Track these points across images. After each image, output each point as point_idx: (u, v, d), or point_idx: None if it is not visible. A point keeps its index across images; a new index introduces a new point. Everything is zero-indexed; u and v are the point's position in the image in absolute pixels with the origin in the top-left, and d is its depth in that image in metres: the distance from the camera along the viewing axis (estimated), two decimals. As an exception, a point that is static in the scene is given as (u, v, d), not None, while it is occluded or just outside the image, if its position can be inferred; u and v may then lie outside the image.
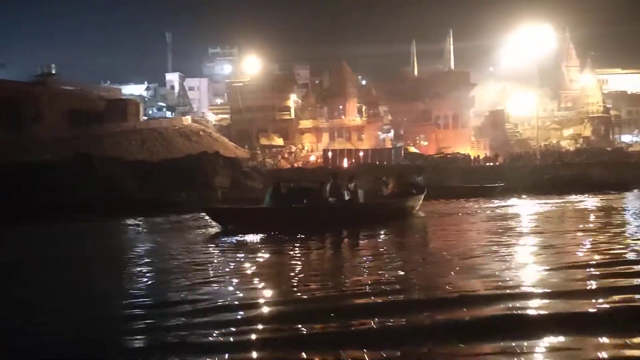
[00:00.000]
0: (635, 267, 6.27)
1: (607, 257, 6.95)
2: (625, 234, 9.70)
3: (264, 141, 55.96)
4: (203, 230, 11.94)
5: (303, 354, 3.58)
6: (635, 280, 5.47)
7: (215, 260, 7.86)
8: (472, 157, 44.90)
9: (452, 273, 6.23)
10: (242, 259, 7.97)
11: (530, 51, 54.10)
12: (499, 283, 5.46)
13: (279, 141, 56.87)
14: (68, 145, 35.73)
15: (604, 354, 3.39)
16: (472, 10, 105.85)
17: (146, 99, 71.87)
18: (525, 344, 3.58)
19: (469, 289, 5.24)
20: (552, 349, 3.55)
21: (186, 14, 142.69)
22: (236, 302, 5.07)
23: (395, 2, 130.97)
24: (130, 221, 15.14)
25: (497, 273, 5.99)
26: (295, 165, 46.34)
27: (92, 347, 4.04)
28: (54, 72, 54.57)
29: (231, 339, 3.98)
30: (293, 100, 60.70)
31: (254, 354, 3.70)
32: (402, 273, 6.35)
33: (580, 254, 7.37)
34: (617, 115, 64.61)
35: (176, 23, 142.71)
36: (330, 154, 45.50)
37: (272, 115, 58.70)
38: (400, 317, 4.31)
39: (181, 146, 45.83)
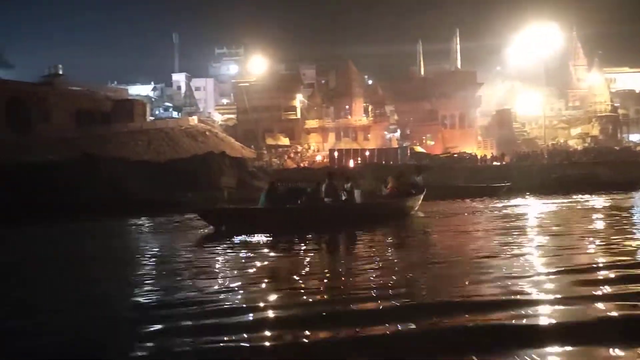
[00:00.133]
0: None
1: (618, 259, 6.72)
2: (635, 235, 9.50)
3: (270, 141, 56.04)
4: (203, 231, 11.80)
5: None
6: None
7: (210, 261, 7.76)
8: (478, 157, 44.73)
9: (457, 276, 6.09)
10: (236, 260, 7.82)
11: (537, 50, 53.72)
12: (506, 287, 5.28)
13: (285, 141, 56.94)
14: (74, 146, 35.86)
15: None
16: (478, 9, 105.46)
17: (153, 99, 72.22)
18: (534, 355, 3.43)
19: (475, 294, 5.12)
20: (562, 360, 3.42)
21: (193, 15, 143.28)
22: (229, 305, 4.95)
23: (402, 2, 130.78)
24: (133, 221, 15.11)
25: (503, 276, 5.81)
26: (302, 165, 46.34)
27: (92, 347, 4.02)
28: (61, 72, 54.91)
29: (228, 344, 3.92)
30: (299, 100, 60.75)
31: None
32: (409, 275, 6.19)
33: (590, 257, 7.14)
34: (625, 114, 64.14)
35: (183, 23, 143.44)
36: (336, 153, 45.48)
37: (278, 115, 58.79)
38: (407, 323, 4.17)
39: (187, 146, 45.94)
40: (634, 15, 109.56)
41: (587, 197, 21.06)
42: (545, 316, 4.28)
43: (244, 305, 4.96)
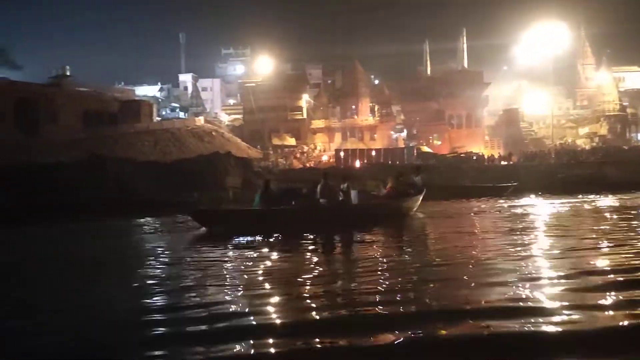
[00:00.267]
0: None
1: (628, 262, 6.55)
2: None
3: (276, 141, 56.09)
4: (199, 231, 11.71)
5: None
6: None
7: (207, 263, 7.72)
8: (485, 157, 44.55)
9: (463, 281, 5.83)
10: (231, 263, 7.73)
11: (545, 49, 53.40)
12: (514, 293, 5.11)
13: (291, 141, 56.96)
14: (82, 146, 36.06)
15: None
16: (485, 9, 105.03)
17: (160, 100, 72.44)
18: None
19: (481, 299, 4.94)
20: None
21: (199, 15, 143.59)
22: (225, 310, 4.89)
23: (409, 2, 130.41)
24: (137, 221, 15.13)
25: (510, 281, 5.63)
26: (308, 165, 46.34)
27: (92, 347, 4.03)
28: (68, 73, 55.21)
29: (228, 349, 3.91)
30: (305, 100, 60.75)
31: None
32: (411, 279, 6.06)
33: (600, 259, 6.91)
34: (633, 114, 63.59)
35: (189, 24, 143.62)
36: (342, 153, 45.46)
37: (285, 115, 58.82)
38: (415, 330, 4.08)
39: (194, 147, 46.05)
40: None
41: (594, 197, 20.90)
42: (553, 324, 4.15)
43: (243, 310, 4.93)
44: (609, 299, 4.80)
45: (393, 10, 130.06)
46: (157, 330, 4.31)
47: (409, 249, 9.13)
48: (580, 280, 5.59)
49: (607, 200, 18.91)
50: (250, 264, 7.61)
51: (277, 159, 49.23)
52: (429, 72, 66.56)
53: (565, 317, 4.31)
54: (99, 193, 20.31)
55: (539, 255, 7.43)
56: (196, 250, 9.37)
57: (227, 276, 6.67)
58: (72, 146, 37.40)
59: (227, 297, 5.36)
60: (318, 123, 59.08)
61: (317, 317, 4.60)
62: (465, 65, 66.47)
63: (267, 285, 6.04)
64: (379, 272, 6.54)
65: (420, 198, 15.11)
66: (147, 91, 73.46)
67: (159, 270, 7.24)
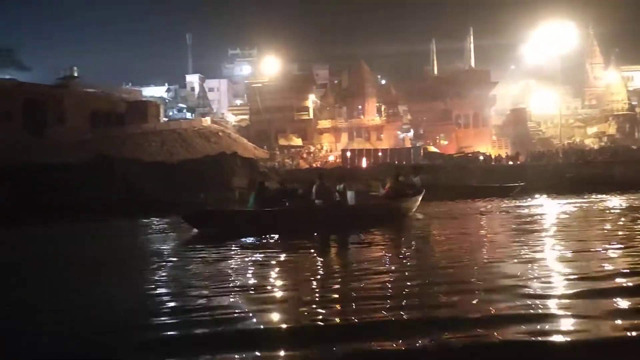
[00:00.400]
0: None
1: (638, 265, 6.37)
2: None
3: (282, 141, 56.14)
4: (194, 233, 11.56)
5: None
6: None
7: (205, 264, 7.69)
8: (492, 157, 44.35)
9: (469, 286, 5.63)
10: (225, 264, 7.65)
11: (553, 49, 53.09)
12: (522, 299, 4.92)
13: (297, 141, 56.98)
14: (89, 147, 36.23)
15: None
16: (492, 8, 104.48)
17: (167, 101, 72.66)
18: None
19: (489, 306, 4.77)
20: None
21: (206, 16, 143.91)
22: (221, 313, 4.81)
23: (416, 1, 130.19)
24: (141, 222, 15.15)
25: (518, 285, 5.46)
26: (314, 165, 46.33)
27: (92, 347, 4.03)
28: (76, 74, 55.57)
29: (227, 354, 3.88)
30: (312, 100, 60.75)
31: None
32: (415, 282, 5.89)
33: (609, 263, 6.69)
34: (643, 113, 63.17)
35: (196, 25, 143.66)
36: (348, 153, 45.42)
37: (291, 115, 58.84)
38: (420, 338, 3.96)
39: (200, 147, 46.13)
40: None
41: (602, 197, 20.74)
42: (561, 333, 4.01)
43: (241, 311, 4.91)
44: (620, 305, 4.66)
45: (400, 10, 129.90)
46: (157, 331, 4.30)
47: (407, 251, 8.93)
48: (590, 284, 5.44)
49: (616, 201, 18.75)
50: (245, 265, 7.59)
51: (284, 159, 49.28)
52: (435, 71, 66.39)
53: (575, 325, 4.17)
54: (107, 193, 20.42)
55: (547, 258, 7.24)
56: (191, 251, 9.30)
57: (224, 277, 6.63)
58: (80, 147, 37.60)
59: (226, 298, 5.34)
60: (324, 123, 59.06)
61: (322, 324, 4.46)
62: (473, 64, 66.21)
63: (267, 288, 5.92)
64: (381, 275, 6.43)
65: (420, 199, 14.89)
66: (154, 92, 73.69)
67: (159, 271, 7.23)
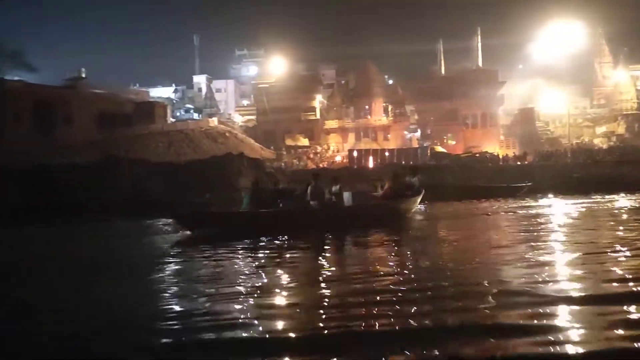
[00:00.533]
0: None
1: None
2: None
3: (289, 142, 56.19)
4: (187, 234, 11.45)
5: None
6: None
7: (204, 265, 7.67)
8: (500, 156, 44.12)
9: (479, 289, 5.43)
10: (221, 266, 7.58)
11: (561, 48, 52.82)
12: (533, 307, 4.73)
13: (304, 142, 57.03)
14: (97, 148, 36.39)
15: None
16: (500, 7, 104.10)
17: (174, 101, 72.97)
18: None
19: (499, 312, 4.62)
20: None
21: (213, 17, 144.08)
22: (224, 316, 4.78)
23: (422, 1, 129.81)
24: (145, 222, 15.15)
25: (526, 291, 5.28)
26: (321, 165, 46.32)
27: (92, 347, 4.02)
28: (84, 75, 55.89)
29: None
30: (319, 100, 60.78)
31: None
32: (415, 286, 5.71)
33: (619, 267, 6.44)
34: (652, 112, 62.63)
35: (203, 26, 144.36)
36: (355, 153, 45.35)
37: (298, 115, 58.88)
38: (430, 348, 3.81)
39: (207, 148, 46.24)
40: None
41: (611, 197, 20.54)
42: (573, 344, 3.84)
43: (238, 312, 4.89)
44: (632, 314, 4.47)
45: (407, 10, 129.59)
46: (157, 331, 4.28)
47: (410, 254, 8.73)
48: (601, 289, 5.29)
49: (625, 201, 18.57)
50: (243, 266, 7.52)
51: (291, 159, 49.30)
52: (443, 71, 66.12)
53: (585, 337, 4.01)
54: (114, 194, 20.51)
55: (555, 260, 7.09)
56: (186, 252, 9.27)
57: (222, 280, 6.58)
58: (88, 148, 37.80)
59: (224, 303, 5.27)
60: (331, 123, 59.06)
61: (326, 332, 4.30)
62: (480, 64, 65.89)
63: (267, 291, 5.79)
64: (385, 278, 6.33)
65: (418, 199, 14.76)
66: (161, 92, 73.98)
67: (158, 271, 7.22)
